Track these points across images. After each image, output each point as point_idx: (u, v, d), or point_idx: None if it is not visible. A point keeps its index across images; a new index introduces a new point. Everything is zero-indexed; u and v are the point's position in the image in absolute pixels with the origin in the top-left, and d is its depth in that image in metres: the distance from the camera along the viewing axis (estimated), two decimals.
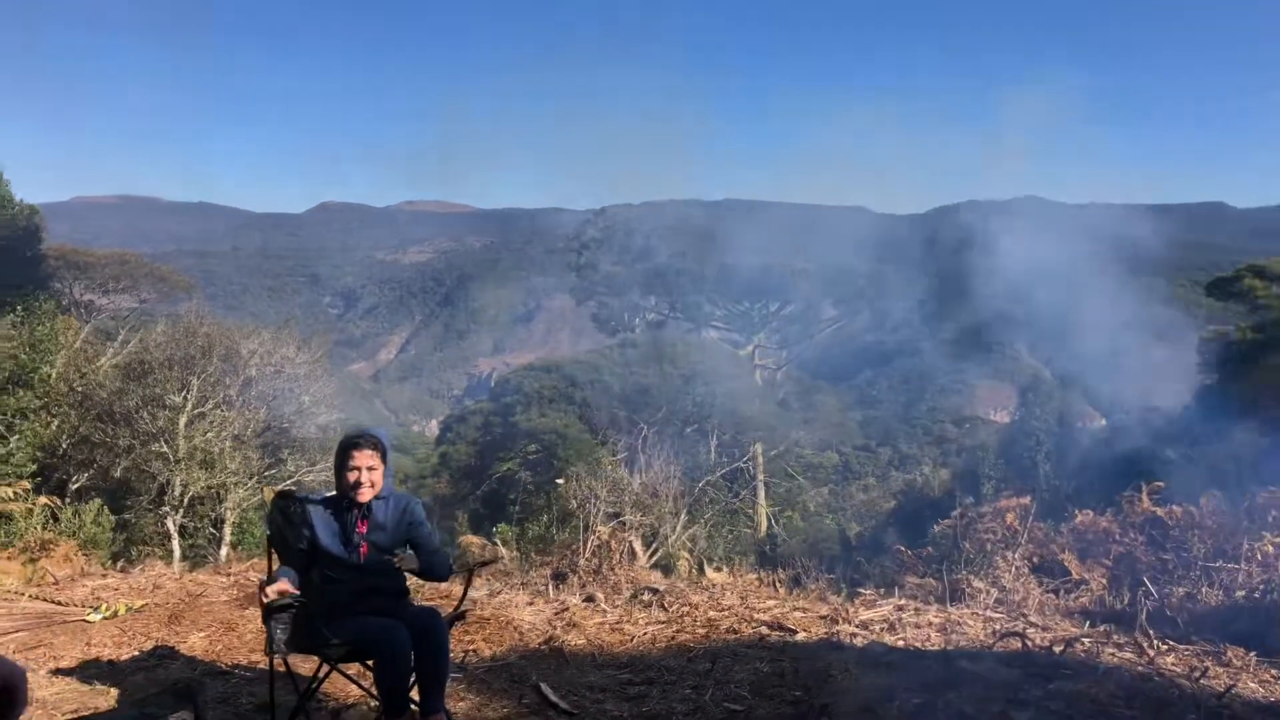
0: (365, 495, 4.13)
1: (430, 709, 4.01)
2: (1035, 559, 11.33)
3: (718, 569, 12.90)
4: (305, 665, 4.41)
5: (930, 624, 6.56)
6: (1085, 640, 5.95)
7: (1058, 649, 5.70)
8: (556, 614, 6.92)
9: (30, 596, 6.43)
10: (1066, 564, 11.33)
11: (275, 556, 4.37)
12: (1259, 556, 8.82)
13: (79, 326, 22.48)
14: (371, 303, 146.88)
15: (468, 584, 4.72)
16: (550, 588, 8.22)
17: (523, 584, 9.30)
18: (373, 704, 4.30)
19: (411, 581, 6.00)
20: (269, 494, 4.44)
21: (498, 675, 5.34)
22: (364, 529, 4.14)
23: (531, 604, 7.27)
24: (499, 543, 15.24)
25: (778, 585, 10.55)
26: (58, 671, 5.30)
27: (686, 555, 14.97)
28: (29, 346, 16.40)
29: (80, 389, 18.44)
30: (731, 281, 36.94)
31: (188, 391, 18.73)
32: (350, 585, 4.09)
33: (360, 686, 4.42)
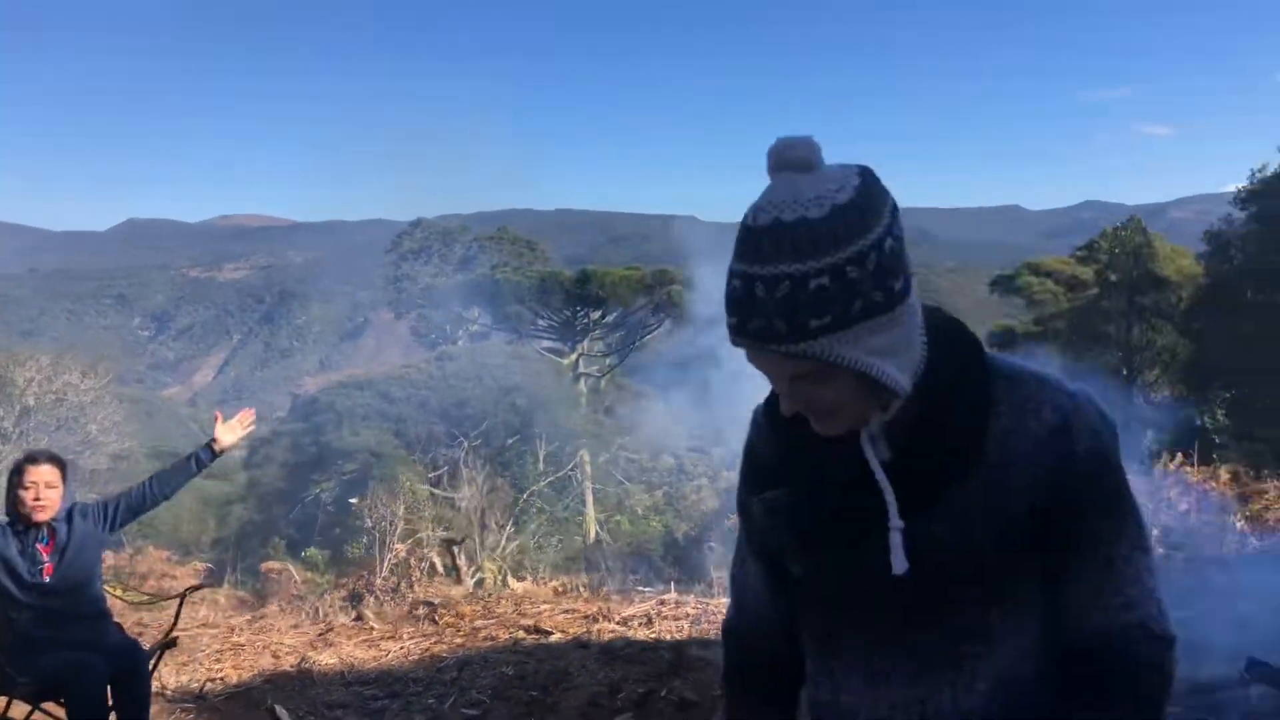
0: (42, 514, 3.90)
1: None
2: None
3: (520, 578, 12.94)
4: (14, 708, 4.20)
5: (687, 615, 6.83)
6: None
7: None
8: (320, 635, 6.82)
9: None
10: None
11: None
12: None
13: None
14: (186, 323, 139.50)
15: (179, 611, 4.59)
16: (321, 609, 8.07)
17: (315, 608, 9.10)
18: None
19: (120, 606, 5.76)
20: None
21: (236, 702, 5.23)
22: (47, 551, 3.96)
23: (296, 626, 7.14)
24: (300, 568, 14.81)
25: (582, 589, 10.71)
26: None
27: (492, 567, 14.97)
28: None
29: None
30: (553, 291, 37.07)
31: None
32: (38, 611, 3.91)
33: None
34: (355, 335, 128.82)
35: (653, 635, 6.30)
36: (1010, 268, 32.98)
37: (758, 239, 1.09)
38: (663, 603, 7.18)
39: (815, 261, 1.06)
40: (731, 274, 1.11)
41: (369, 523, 12.90)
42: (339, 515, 28.39)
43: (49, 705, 4.12)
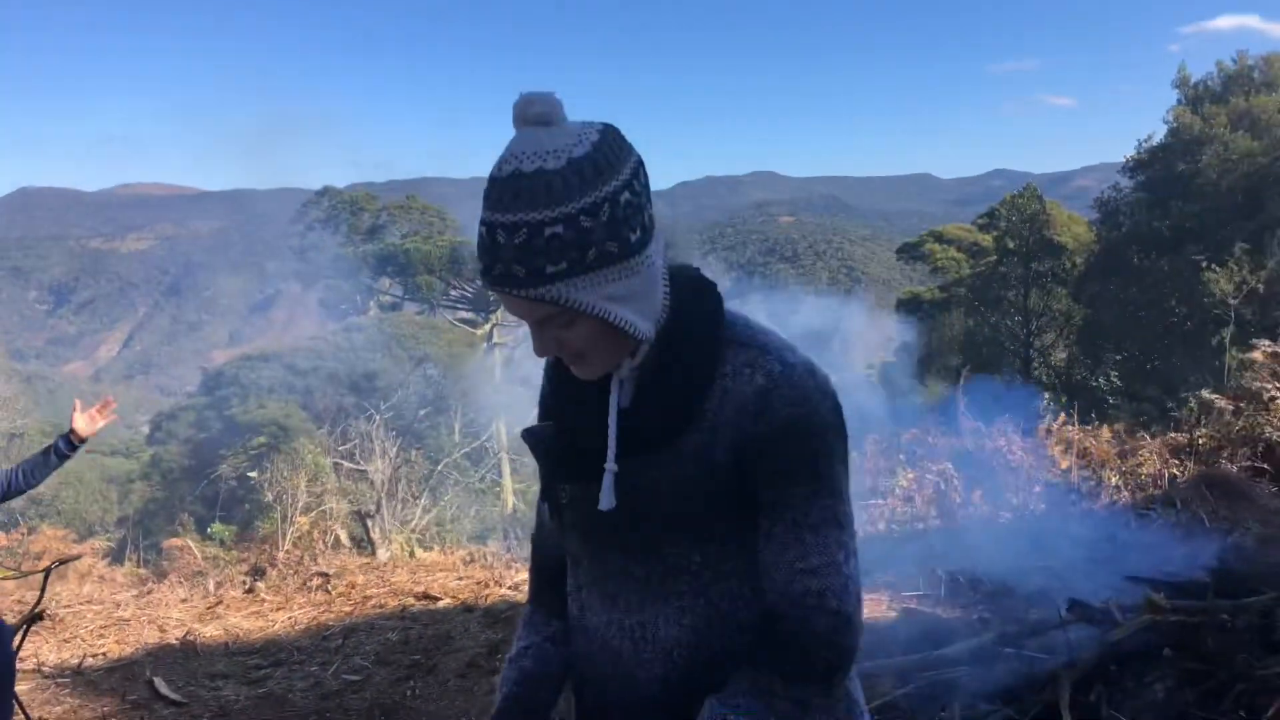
0: None
1: None
2: None
3: (427, 549, 12.94)
4: None
5: None
6: None
7: None
8: (209, 608, 6.79)
9: None
10: None
11: None
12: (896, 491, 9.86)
13: None
14: (87, 296, 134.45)
15: (45, 583, 4.55)
16: (212, 583, 8.00)
17: (216, 583, 9.01)
18: None
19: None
20: None
21: (114, 675, 5.20)
22: None
23: (185, 600, 7.08)
24: (205, 544, 14.55)
25: (489, 557, 10.76)
26: None
27: (400, 539, 14.93)
28: None
29: None
30: (465, 261, 36.67)
31: None
32: None
33: None
34: (265, 307, 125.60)
35: None
36: (920, 235, 33.70)
37: (500, 188, 1.17)
38: None
39: (550, 211, 1.14)
40: (480, 222, 1.19)
41: (270, 497, 12.74)
42: (247, 491, 27.88)
43: None
